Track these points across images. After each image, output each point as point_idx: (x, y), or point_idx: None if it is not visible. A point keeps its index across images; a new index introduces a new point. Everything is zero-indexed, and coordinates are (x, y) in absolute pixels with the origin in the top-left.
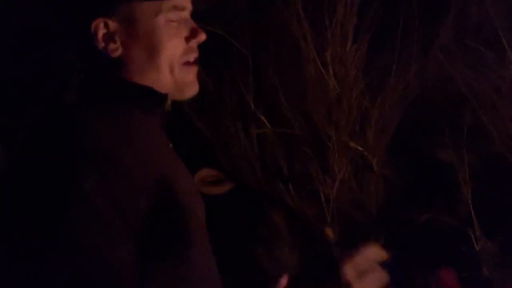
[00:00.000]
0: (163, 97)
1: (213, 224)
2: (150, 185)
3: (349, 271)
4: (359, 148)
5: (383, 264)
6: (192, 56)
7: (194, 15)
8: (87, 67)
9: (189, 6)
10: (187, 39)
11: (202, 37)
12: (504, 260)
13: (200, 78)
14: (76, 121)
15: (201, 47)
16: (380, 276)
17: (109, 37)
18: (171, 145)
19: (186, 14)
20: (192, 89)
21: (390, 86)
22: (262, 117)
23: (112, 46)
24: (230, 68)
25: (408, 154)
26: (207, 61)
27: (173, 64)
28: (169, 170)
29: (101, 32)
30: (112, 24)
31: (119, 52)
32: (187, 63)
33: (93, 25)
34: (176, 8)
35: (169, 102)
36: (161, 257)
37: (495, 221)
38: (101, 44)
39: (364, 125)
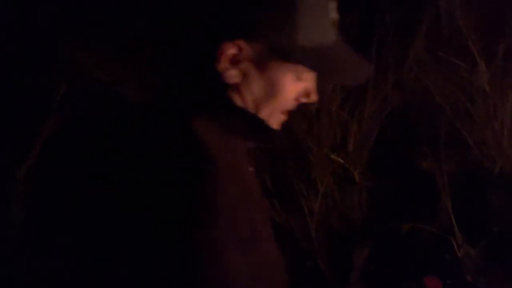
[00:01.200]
0: (276, 133)
1: None
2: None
3: None
4: (341, 160)
5: None
6: (291, 109)
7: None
8: (200, 81)
9: None
10: (298, 96)
11: (313, 99)
12: (486, 266)
13: None
14: (201, 142)
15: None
16: None
17: (234, 61)
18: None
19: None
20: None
21: (368, 98)
22: None
23: (232, 72)
24: None
25: (389, 165)
26: None
27: (273, 114)
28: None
29: (231, 52)
30: (247, 50)
31: (235, 80)
32: (283, 112)
33: (227, 43)
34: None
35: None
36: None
37: (476, 227)
38: (223, 65)
39: (344, 138)
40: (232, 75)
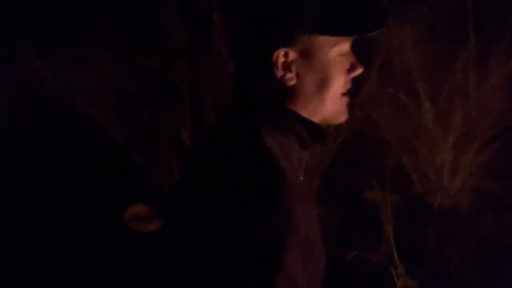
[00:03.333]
0: (324, 135)
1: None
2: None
3: None
4: None
5: None
6: (347, 87)
7: (132, 49)
8: (263, 90)
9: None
10: (348, 72)
11: (360, 70)
12: None
13: (136, 113)
14: (266, 148)
15: (138, 82)
16: None
17: (287, 66)
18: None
19: (349, 47)
20: (344, 116)
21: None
22: None
23: (288, 75)
24: (167, 103)
25: (337, 194)
26: (144, 96)
27: (336, 96)
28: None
29: (281, 60)
30: (292, 54)
31: (294, 81)
32: (343, 94)
33: (275, 54)
34: (346, 41)
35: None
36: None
37: (415, 258)
38: (280, 73)
39: None
40: (289, 77)
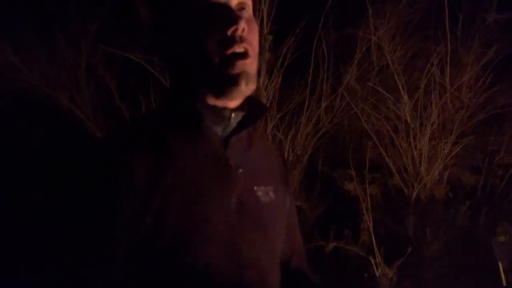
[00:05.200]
0: (198, 114)
1: None
2: (163, 191)
3: None
4: None
5: None
6: (237, 48)
7: (111, 42)
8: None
9: None
10: (225, 28)
11: (241, 25)
12: (400, 284)
13: (116, 105)
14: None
15: (120, 74)
16: None
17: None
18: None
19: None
20: (241, 84)
21: (303, 121)
22: None
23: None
24: (147, 96)
25: (318, 186)
26: (124, 88)
27: (212, 57)
28: (197, 178)
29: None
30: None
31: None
32: (232, 55)
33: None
34: None
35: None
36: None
37: (393, 248)
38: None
39: None
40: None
